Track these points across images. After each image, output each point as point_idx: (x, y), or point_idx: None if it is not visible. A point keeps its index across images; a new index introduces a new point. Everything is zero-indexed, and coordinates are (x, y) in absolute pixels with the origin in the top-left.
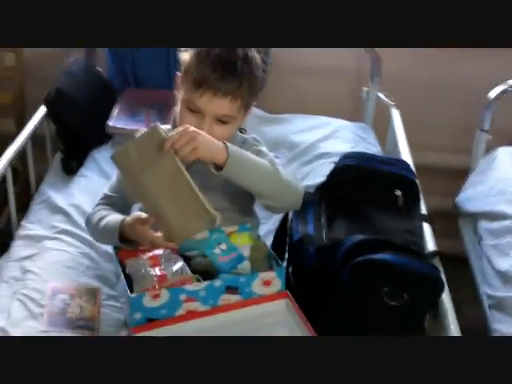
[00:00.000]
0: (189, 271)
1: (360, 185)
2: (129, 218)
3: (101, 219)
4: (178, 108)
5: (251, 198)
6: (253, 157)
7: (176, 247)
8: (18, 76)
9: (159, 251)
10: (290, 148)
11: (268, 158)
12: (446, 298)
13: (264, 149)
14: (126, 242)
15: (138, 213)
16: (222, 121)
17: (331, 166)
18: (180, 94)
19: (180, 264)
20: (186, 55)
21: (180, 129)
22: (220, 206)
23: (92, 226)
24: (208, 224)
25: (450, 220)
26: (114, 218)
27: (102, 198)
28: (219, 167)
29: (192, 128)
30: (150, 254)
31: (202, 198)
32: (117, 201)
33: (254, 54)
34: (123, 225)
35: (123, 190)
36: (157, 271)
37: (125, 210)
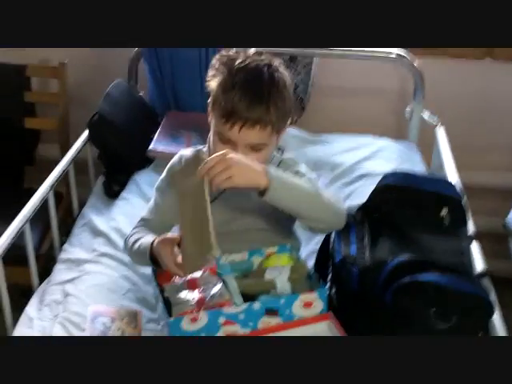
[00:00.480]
0: (227, 294)
1: (403, 204)
2: (157, 239)
3: (136, 241)
4: (211, 135)
5: (291, 218)
6: (294, 179)
7: (182, 276)
8: (63, 102)
9: (198, 274)
10: (331, 169)
11: (305, 178)
12: (496, 320)
13: (303, 169)
14: (158, 263)
15: (166, 234)
16: (255, 148)
17: (374, 187)
18: (211, 123)
19: (219, 286)
20: (212, 84)
21: (218, 155)
22: (258, 227)
23: (128, 248)
24: (207, 260)
25: (499, 241)
26: (147, 239)
27: (139, 221)
28: (261, 192)
29: (230, 155)
30: (189, 277)
31: (212, 230)
32: (154, 223)
33: (281, 72)
34: (153, 245)
35: (161, 212)
36: (195, 294)
37: (162, 232)
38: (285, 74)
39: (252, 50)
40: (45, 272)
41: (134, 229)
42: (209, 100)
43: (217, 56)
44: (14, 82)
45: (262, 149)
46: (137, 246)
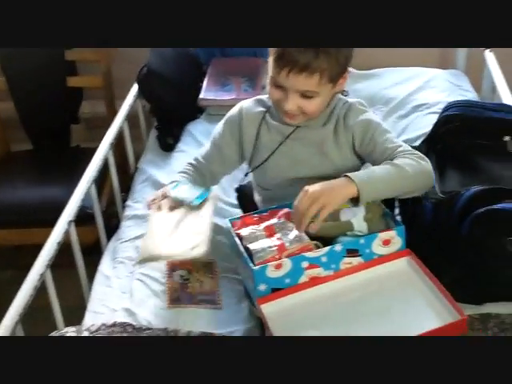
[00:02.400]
0: (306, 238)
1: (466, 134)
2: None
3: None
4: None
5: (359, 167)
6: (378, 172)
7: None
8: (105, 58)
9: (273, 220)
10: (385, 103)
11: (384, 137)
12: None
13: (373, 116)
14: None
15: None
16: (304, 95)
17: (429, 117)
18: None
19: (296, 231)
20: None
21: (299, 199)
22: (326, 173)
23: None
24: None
25: None
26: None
27: (192, 160)
28: (354, 199)
29: (309, 189)
30: (264, 224)
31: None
32: (204, 168)
33: None
34: None
35: (213, 159)
36: (275, 241)
37: (210, 179)
38: None
39: None
40: (106, 229)
41: (183, 168)
42: None
43: None
44: None
45: (312, 96)
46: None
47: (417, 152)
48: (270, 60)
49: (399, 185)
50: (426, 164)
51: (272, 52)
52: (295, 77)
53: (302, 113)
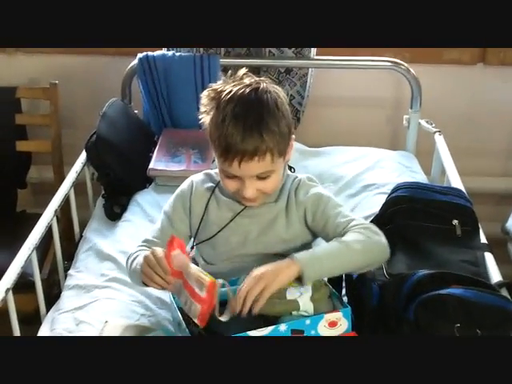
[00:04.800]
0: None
1: (415, 216)
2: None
3: (134, 260)
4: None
5: (309, 243)
6: (324, 250)
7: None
8: (55, 123)
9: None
10: (334, 181)
11: (337, 210)
12: None
13: (323, 190)
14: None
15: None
16: (261, 177)
17: (378, 198)
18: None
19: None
20: (206, 121)
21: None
22: (274, 250)
23: (128, 268)
24: None
25: (498, 247)
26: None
27: (142, 241)
28: (299, 278)
29: (254, 272)
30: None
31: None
32: (159, 245)
33: (271, 91)
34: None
35: (165, 236)
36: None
37: None
38: (276, 92)
39: (241, 72)
40: (46, 298)
41: (136, 250)
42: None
43: (204, 92)
44: (5, 104)
45: (269, 176)
46: (134, 264)
47: (370, 225)
48: (216, 155)
49: (347, 261)
50: (379, 238)
51: (215, 148)
52: (248, 164)
53: (262, 193)
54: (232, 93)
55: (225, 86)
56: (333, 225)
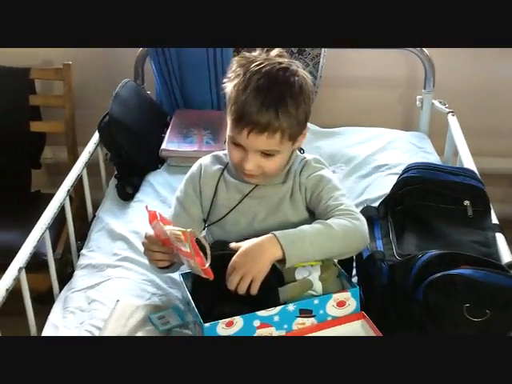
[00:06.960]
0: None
1: (426, 197)
2: None
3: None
4: (227, 138)
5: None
6: (307, 232)
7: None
8: (68, 104)
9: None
10: (346, 162)
11: (334, 194)
12: None
13: (326, 173)
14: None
15: None
16: (265, 154)
17: (389, 178)
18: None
19: None
20: (229, 85)
21: (229, 278)
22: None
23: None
24: None
25: (511, 228)
26: None
27: None
28: (282, 260)
29: (233, 263)
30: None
31: None
32: None
33: (300, 75)
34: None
35: (181, 220)
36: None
37: None
38: (304, 78)
39: (274, 52)
40: (60, 277)
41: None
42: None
43: (236, 57)
44: (18, 85)
45: (273, 155)
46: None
47: (353, 211)
48: (229, 120)
49: (328, 245)
50: (360, 224)
51: (230, 112)
52: (256, 137)
53: (261, 173)
54: (262, 65)
55: (257, 57)
56: (323, 207)
